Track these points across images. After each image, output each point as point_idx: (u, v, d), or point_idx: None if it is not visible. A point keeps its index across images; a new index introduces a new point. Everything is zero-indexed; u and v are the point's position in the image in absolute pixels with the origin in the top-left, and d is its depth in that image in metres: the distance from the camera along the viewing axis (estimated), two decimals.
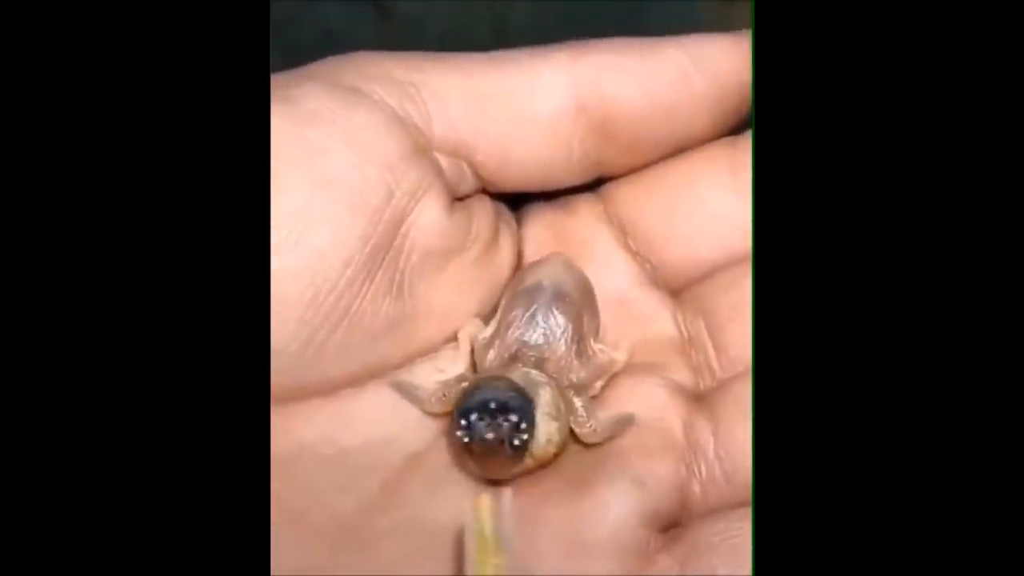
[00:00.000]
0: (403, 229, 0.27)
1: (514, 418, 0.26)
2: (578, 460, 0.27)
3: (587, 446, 0.27)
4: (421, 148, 0.27)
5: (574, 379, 0.28)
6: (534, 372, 0.27)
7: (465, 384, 0.27)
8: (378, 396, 0.27)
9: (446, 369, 0.28)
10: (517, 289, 0.28)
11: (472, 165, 0.28)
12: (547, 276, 0.28)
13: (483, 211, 0.29)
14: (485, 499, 0.25)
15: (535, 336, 0.28)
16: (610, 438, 0.27)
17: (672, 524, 0.27)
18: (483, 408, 0.26)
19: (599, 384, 0.28)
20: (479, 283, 0.29)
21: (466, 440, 0.26)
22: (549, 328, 0.28)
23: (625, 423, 0.27)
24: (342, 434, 0.27)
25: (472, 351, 0.28)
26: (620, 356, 0.28)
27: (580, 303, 0.28)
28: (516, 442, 0.26)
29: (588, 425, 0.27)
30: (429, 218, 0.27)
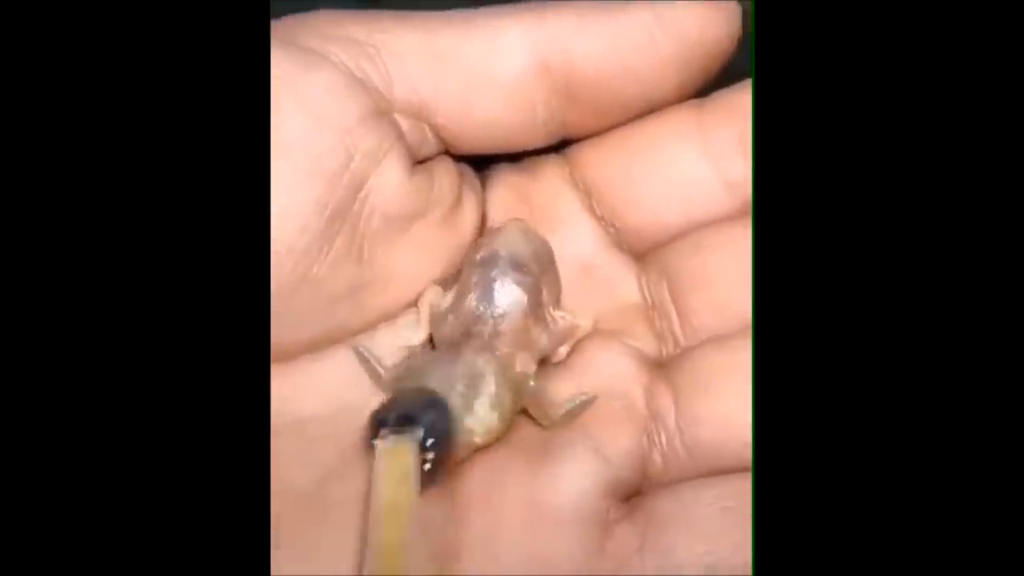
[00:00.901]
0: (362, 193, 0.26)
1: (420, 433, 0.25)
2: (538, 430, 0.27)
3: None
4: (381, 110, 0.27)
5: (535, 349, 0.27)
6: (481, 360, 0.27)
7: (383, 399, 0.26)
8: (336, 364, 0.27)
9: (407, 336, 0.28)
10: (473, 259, 0.28)
11: (434, 127, 0.28)
12: (503, 246, 0.28)
13: (446, 173, 0.29)
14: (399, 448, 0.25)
15: (490, 308, 0.27)
16: (569, 422, 0.27)
17: (633, 493, 0.27)
18: (396, 427, 0.25)
19: (564, 350, 0.28)
20: (441, 247, 0.28)
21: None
22: (505, 300, 0.27)
23: (582, 408, 0.27)
24: (300, 403, 0.27)
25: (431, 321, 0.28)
26: (584, 323, 0.28)
27: (538, 272, 0.28)
28: (431, 456, 0.25)
29: (547, 418, 0.27)
30: (389, 181, 0.27)
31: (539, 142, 0.29)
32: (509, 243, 0.28)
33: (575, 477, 0.26)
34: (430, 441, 0.25)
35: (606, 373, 0.28)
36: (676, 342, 0.28)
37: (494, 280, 0.27)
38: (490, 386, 0.26)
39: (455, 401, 0.26)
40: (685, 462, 0.26)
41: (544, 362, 0.28)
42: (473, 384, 0.26)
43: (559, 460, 0.26)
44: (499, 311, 0.27)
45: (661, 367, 0.28)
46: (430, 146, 0.28)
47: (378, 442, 0.25)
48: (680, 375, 0.27)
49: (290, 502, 0.25)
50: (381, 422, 0.25)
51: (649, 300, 0.29)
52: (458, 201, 0.29)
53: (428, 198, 0.28)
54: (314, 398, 0.27)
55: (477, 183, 0.30)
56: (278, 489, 0.25)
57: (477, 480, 0.26)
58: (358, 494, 0.26)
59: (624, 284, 0.29)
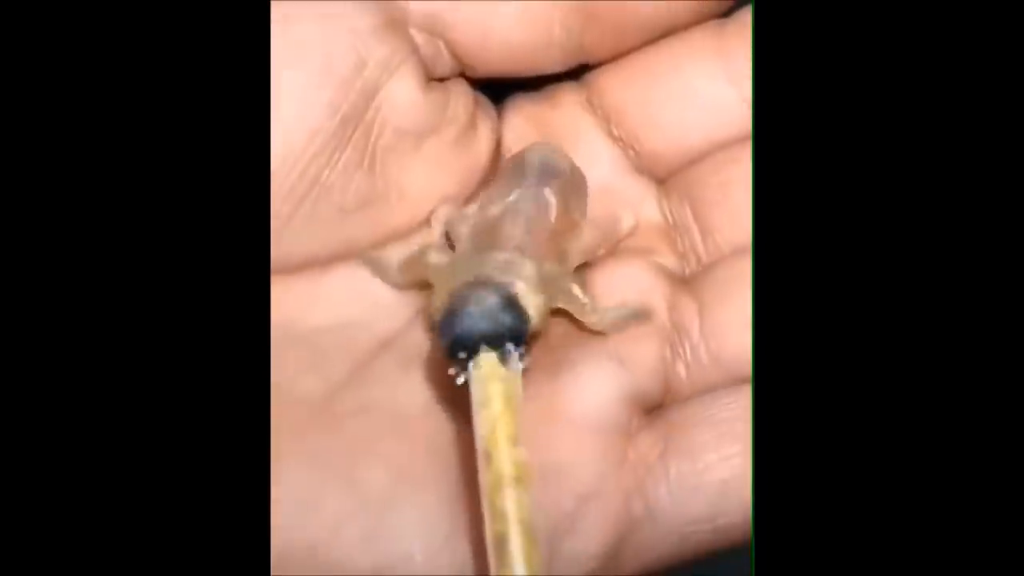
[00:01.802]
0: (375, 103, 0.26)
1: (511, 347, 0.24)
2: (560, 342, 0.26)
3: (574, 322, 0.26)
4: (395, 21, 0.26)
5: (567, 259, 0.26)
6: (511, 254, 0.25)
7: (444, 299, 0.25)
8: (347, 278, 0.26)
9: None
10: (505, 168, 0.27)
11: (449, 44, 0.27)
12: (537, 156, 0.27)
13: (460, 95, 0.28)
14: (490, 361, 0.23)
15: (521, 213, 0.26)
16: (619, 329, 0.26)
17: (656, 407, 0.26)
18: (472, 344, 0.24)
19: (602, 251, 0.27)
20: (454, 168, 0.28)
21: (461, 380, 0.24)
22: (536, 203, 0.26)
23: (641, 316, 0.26)
24: (309, 315, 0.26)
25: (447, 233, 0.27)
26: (626, 222, 0.27)
27: (569, 185, 0.27)
28: (513, 366, 0.24)
29: (595, 313, 0.26)
30: (402, 94, 0.26)
31: (556, 64, 0.28)
32: (541, 154, 0.27)
33: (596, 385, 0.25)
34: (520, 351, 0.24)
35: (628, 288, 0.27)
36: (699, 260, 0.28)
37: (526, 185, 0.26)
38: (529, 271, 0.25)
39: None
40: (710, 372, 0.26)
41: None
42: (509, 271, 0.25)
43: (579, 369, 0.25)
44: (530, 216, 0.26)
45: (684, 283, 0.27)
46: (445, 64, 0.28)
47: (474, 369, 0.23)
48: (704, 286, 0.26)
49: (296, 413, 0.24)
50: (457, 345, 0.24)
51: (671, 221, 0.28)
52: (472, 124, 0.28)
53: (442, 116, 0.27)
54: (322, 311, 0.26)
55: (493, 111, 0.29)
56: (283, 400, 0.24)
57: None
58: (369, 405, 0.25)
59: (644, 207, 0.28)
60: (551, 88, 0.30)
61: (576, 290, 0.26)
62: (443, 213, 0.27)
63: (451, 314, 0.24)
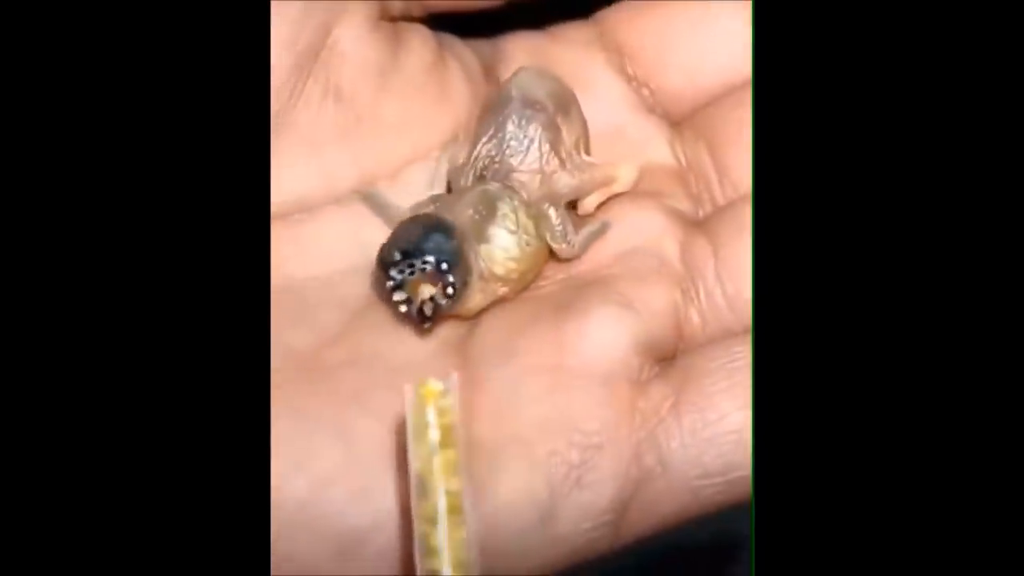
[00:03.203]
0: (330, 40, 0.25)
1: (431, 262, 0.23)
2: (562, 288, 0.25)
3: (565, 263, 0.25)
4: None
5: (562, 190, 0.25)
6: (494, 187, 0.25)
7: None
8: (336, 222, 0.25)
9: (421, 189, 0.26)
10: (490, 101, 0.26)
11: None
12: (515, 85, 0.26)
13: (417, 34, 0.27)
14: (427, 386, 0.22)
15: (502, 147, 0.25)
16: (586, 249, 0.25)
17: (668, 355, 0.24)
18: (402, 264, 0.23)
19: (592, 201, 0.26)
20: (429, 104, 0.27)
21: (403, 309, 0.23)
22: (517, 138, 0.25)
23: (601, 231, 0.25)
24: (298, 263, 0.25)
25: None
26: (626, 174, 0.26)
27: (554, 109, 0.26)
28: (449, 291, 0.23)
29: (565, 240, 0.25)
30: (355, 28, 0.25)
31: None
32: (520, 83, 0.26)
33: (604, 331, 0.23)
34: (443, 265, 0.23)
35: (638, 230, 0.25)
36: (714, 202, 0.26)
37: (505, 119, 0.25)
38: (504, 208, 0.24)
39: (466, 226, 0.24)
40: (726, 317, 0.24)
41: (571, 208, 0.26)
42: (486, 208, 0.24)
43: (586, 314, 0.24)
44: (511, 151, 0.25)
45: (698, 225, 0.26)
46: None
47: (407, 388, 0.22)
48: (720, 227, 0.25)
49: (285, 366, 0.23)
50: (386, 263, 0.23)
51: (684, 162, 0.27)
52: (441, 61, 0.27)
53: (396, 50, 0.26)
54: (313, 261, 0.25)
55: (466, 50, 0.28)
56: (272, 354, 0.23)
57: (495, 336, 0.24)
58: (359, 357, 0.24)
59: (656, 147, 0.27)
60: (559, 25, 0.28)
61: (552, 213, 0.25)
62: (449, 151, 0.26)
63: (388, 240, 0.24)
